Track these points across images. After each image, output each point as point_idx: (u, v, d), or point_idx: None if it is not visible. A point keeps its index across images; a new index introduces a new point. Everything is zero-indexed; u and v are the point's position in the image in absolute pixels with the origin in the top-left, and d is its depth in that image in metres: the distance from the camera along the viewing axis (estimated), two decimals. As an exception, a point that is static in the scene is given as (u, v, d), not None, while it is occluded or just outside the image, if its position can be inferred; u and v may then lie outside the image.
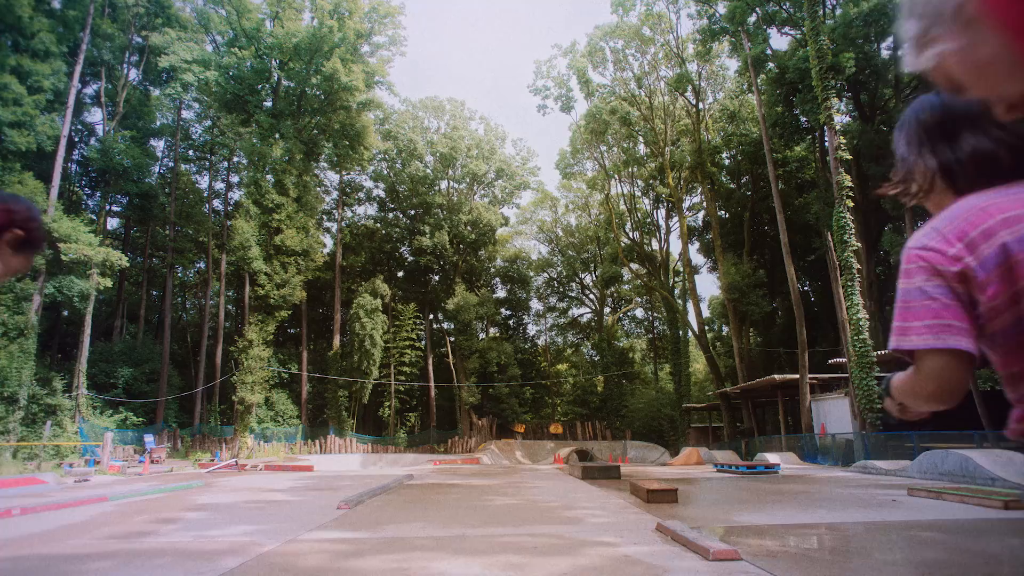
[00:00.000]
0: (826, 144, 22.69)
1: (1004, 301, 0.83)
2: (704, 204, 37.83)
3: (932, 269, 0.87)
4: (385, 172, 44.66)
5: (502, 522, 6.73)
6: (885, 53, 25.25)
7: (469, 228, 42.53)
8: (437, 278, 44.11)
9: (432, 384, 39.85)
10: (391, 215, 45.84)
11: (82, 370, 24.40)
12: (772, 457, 18.43)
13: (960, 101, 1.00)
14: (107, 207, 32.95)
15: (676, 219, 38.69)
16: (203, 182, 41.44)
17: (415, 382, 39.95)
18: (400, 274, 44.92)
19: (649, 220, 43.36)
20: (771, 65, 26.90)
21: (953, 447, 13.50)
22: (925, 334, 0.86)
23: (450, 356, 41.27)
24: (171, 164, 36.26)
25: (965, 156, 1.02)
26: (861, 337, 19.25)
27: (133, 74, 32.94)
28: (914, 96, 22.82)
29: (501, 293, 49.87)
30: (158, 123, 35.63)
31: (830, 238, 21.20)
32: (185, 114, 37.34)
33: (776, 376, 24.41)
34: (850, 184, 20.66)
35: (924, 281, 0.88)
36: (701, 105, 35.14)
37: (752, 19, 26.07)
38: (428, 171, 43.50)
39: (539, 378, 45.23)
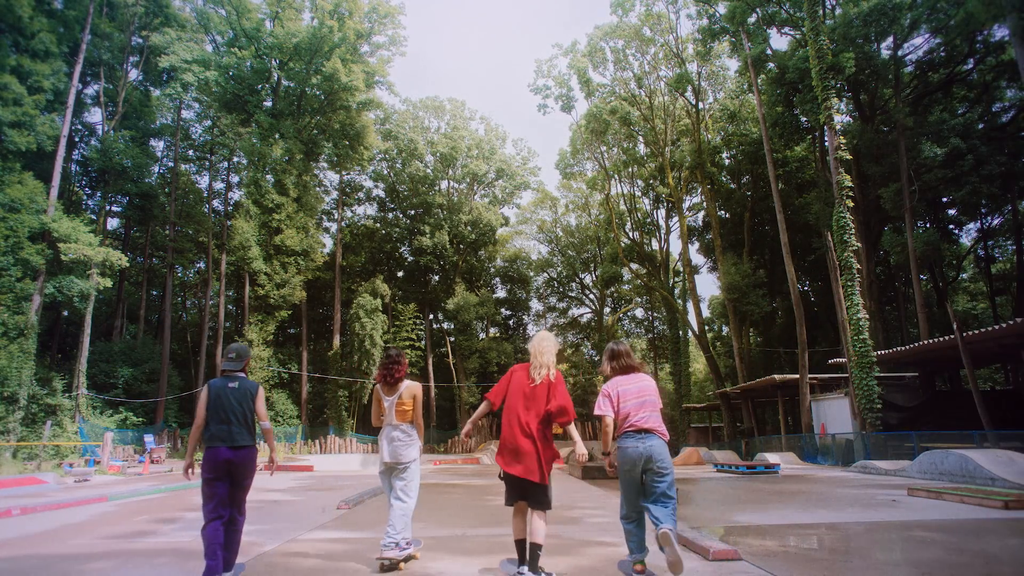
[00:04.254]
0: (826, 144, 22.68)
1: (618, 403, 3.90)
2: (704, 204, 37.82)
3: (607, 393, 3.95)
4: (385, 172, 44.66)
5: (502, 522, 6.73)
6: (885, 53, 25.21)
7: (469, 228, 42.52)
8: (437, 278, 44.10)
9: (432, 384, 39.85)
10: (391, 215, 45.83)
11: (82, 370, 24.38)
12: (772, 457, 18.38)
13: (618, 349, 4.14)
14: (107, 207, 32.91)
15: (676, 219, 38.71)
16: (203, 182, 41.44)
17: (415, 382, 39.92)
18: (400, 274, 44.91)
19: (649, 220, 43.35)
20: (771, 65, 26.87)
21: (953, 447, 13.49)
22: (605, 410, 3.89)
23: (450, 356, 41.28)
24: (171, 164, 36.23)
25: (618, 365, 4.07)
26: (861, 337, 19.23)
27: (133, 74, 32.90)
28: (914, 96, 22.74)
29: (501, 293, 49.88)
30: (158, 123, 35.58)
31: (830, 238, 21.18)
32: (185, 114, 37.33)
33: (776, 376, 24.37)
34: (850, 184, 20.65)
35: (604, 395, 3.95)
36: (701, 105, 35.13)
37: (752, 19, 26.05)
38: (428, 171, 43.49)
39: (539, 378, 45.16)
